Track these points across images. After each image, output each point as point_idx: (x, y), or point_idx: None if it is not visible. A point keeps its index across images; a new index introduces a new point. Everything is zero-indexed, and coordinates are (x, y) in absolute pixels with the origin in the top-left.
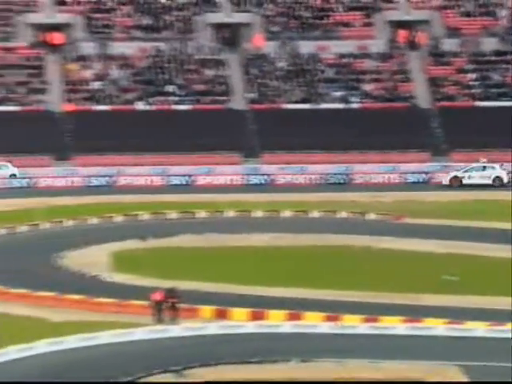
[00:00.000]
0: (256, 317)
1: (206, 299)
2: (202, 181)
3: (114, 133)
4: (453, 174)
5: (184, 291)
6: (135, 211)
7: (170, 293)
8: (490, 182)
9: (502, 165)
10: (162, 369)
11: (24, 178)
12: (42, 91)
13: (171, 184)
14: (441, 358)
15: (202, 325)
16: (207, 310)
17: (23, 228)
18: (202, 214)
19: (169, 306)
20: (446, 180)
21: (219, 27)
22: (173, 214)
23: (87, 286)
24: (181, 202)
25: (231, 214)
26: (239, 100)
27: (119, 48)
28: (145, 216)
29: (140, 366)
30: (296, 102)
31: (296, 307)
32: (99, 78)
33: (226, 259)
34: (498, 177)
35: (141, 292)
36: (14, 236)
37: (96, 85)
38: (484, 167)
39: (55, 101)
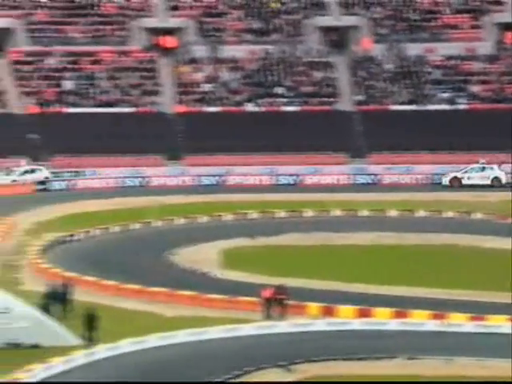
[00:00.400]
0: (362, 314)
1: (313, 296)
2: (309, 180)
3: (223, 133)
4: (452, 174)
5: (291, 288)
6: (244, 210)
7: (279, 290)
8: (488, 182)
9: (500, 165)
10: (270, 364)
11: (137, 177)
12: (154, 93)
13: (279, 183)
14: None
15: (309, 321)
16: (314, 307)
17: (136, 226)
18: (309, 213)
19: (277, 302)
20: (445, 181)
21: (327, 30)
22: (281, 213)
23: (198, 282)
24: (288, 201)
25: (338, 212)
26: (346, 101)
27: (230, 51)
28: (253, 215)
29: (248, 360)
30: (403, 104)
31: (401, 305)
32: (210, 80)
33: (331, 257)
34: (496, 177)
35: (250, 289)
36: (128, 233)
37: (207, 87)
38: (483, 168)
39: (167, 102)
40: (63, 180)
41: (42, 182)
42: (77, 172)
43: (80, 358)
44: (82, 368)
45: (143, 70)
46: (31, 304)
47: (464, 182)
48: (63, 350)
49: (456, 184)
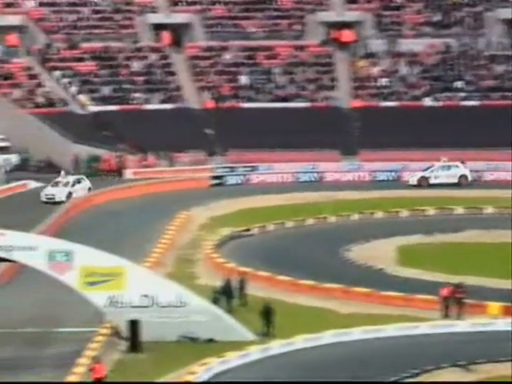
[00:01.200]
0: None
1: (492, 295)
2: (489, 177)
3: (400, 129)
4: (420, 174)
5: (470, 287)
6: (421, 206)
7: (458, 288)
8: (455, 180)
9: (463, 162)
10: (449, 363)
11: (311, 172)
12: (330, 88)
13: None
14: None
15: (489, 321)
16: (494, 306)
17: (311, 221)
18: (488, 209)
19: (456, 301)
20: (413, 180)
21: (510, 23)
22: (459, 210)
23: (373, 279)
24: (467, 197)
25: None
26: None
27: (408, 45)
28: (430, 211)
29: (426, 359)
30: None
31: None
32: (387, 74)
33: None
34: (463, 175)
35: (426, 286)
36: (303, 229)
37: (384, 81)
38: (449, 166)
39: (343, 97)
40: (238, 175)
41: (217, 177)
42: (252, 167)
43: (255, 353)
44: (256, 363)
45: (319, 64)
46: (205, 298)
47: (431, 181)
48: (238, 345)
49: (425, 183)
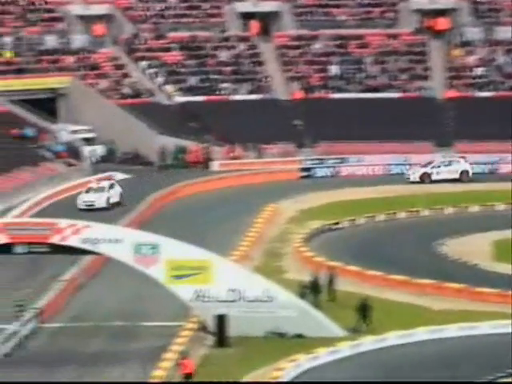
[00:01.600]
0: None
1: None
2: None
3: (496, 120)
4: (422, 170)
5: None
6: None
7: None
8: (457, 176)
9: (463, 157)
10: None
11: (403, 164)
12: (424, 77)
13: None
14: None
15: None
16: None
17: (402, 215)
18: None
19: None
20: (414, 177)
21: None
22: None
23: (467, 274)
24: None
25: None
26: None
27: (506, 32)
28: None
29: None
30: None
31: None
32: (483, 63)
33: None
34: (464, 171)
35: None
36: (394, 223)
37: (479, 71)
38: (450, 162)
39: (437, 87)
40: (327, 167)
41: (306, 169)
42: (341, 158)
43: (345, 349)
44: (346, 359)
45: (412, 53)
46: (293, 293)
47: (433, 177)
48: (328, 341)
49: (427, 180)
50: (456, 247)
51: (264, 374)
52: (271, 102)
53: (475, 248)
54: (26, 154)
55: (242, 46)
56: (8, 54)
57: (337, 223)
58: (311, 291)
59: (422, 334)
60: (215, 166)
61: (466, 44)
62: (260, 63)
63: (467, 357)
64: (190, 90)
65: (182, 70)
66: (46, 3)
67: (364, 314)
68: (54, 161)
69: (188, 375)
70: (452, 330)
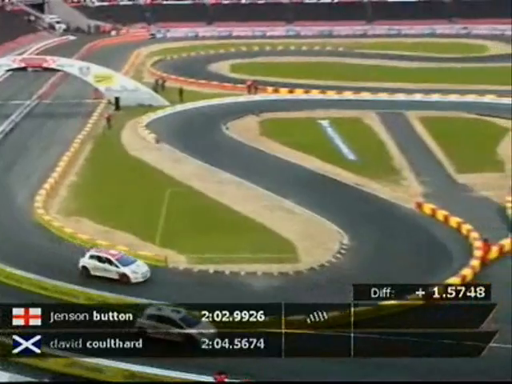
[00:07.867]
0: None
1: None
2: None
3: None
4: None
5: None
6: None
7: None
8: None
9: None
10: (247, 113)
11: None
12: None
13: None
14: None
15: None
16: None
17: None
18: None
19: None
20: None
21: None
22: None
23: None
24: None
25: None
26: None
27: None
28: None
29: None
30: None
31: None
32: None
33: None
34: None
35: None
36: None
37: None
38: None
39: None
40: (162, 33)
41: (152, 34)
42: (168, 29)
43: (170, 110)
44: (170, 114)
45: None
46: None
47: None
48: (162, 108)
49: None
50: None
51: (136, 120)
52: None
53: None
54: (28, 26)
55: None
56: None
57: (165, 57)
58: (156, 87)
59: (204, 103)
60: (113, 33)
61: None
62: None
63: (219, 111)
64: None
65: None
66: None
67: (180, 95)
68: (43, 31)
69: (108, 119)
70: (215, 101)
